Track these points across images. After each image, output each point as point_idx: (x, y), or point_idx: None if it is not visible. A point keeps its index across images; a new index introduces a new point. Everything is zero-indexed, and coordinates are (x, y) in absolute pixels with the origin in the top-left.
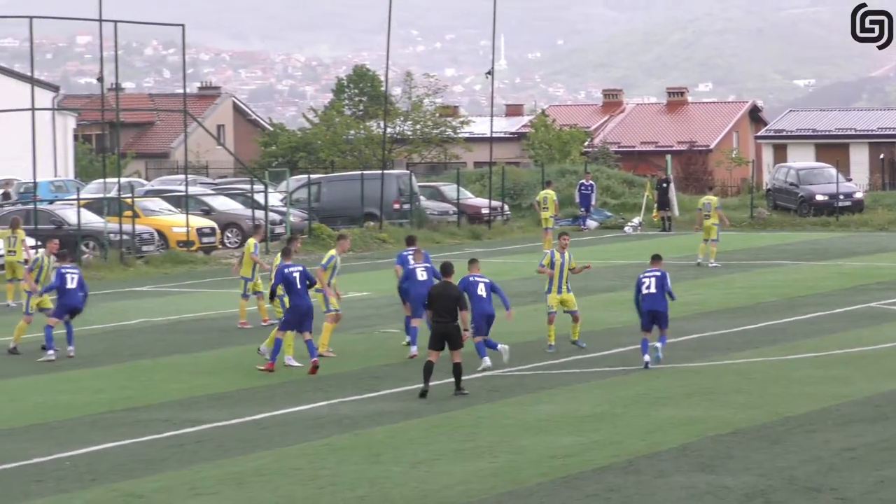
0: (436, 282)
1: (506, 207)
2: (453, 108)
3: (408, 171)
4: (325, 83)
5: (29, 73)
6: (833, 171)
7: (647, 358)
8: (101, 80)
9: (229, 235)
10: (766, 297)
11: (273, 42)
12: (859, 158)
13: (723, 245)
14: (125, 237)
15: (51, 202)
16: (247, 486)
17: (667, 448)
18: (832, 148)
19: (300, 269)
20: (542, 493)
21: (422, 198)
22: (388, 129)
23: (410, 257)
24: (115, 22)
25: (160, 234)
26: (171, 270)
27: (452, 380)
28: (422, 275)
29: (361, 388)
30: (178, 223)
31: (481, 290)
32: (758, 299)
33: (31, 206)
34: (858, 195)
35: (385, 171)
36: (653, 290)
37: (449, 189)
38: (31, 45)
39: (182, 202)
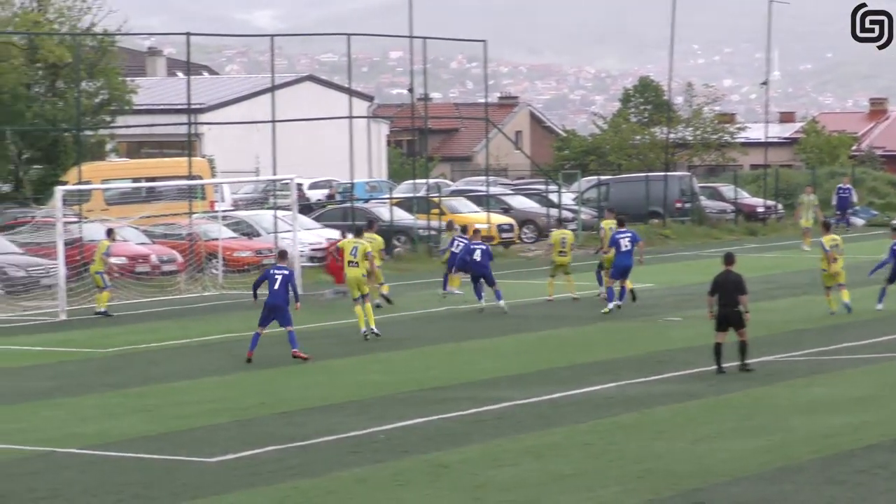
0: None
1: (779, 206)
2: (730, 116)
3: (689, 173)
4: (613, 93)
5: (347, 85)
6: None
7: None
8: (411, 90)
9: (526, 231)
10: None
11: (566, 56)
12: None
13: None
14: (432, 232)
15: (366, 201)
16: (543, 459)
17: None
18: None
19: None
20: (813, 469)
21: (701, 197)
22: (671, 135)
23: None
24: (425, 38)
25: (464, 229)
26: None
27: (728, 364)
28: (626, 245)
29: (647, 371)
30: (479, 220)
31: (478, 256)
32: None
33: (348, 205)
34: None
35: (668, 173)
36: None
37: (727, 189)
38: (349, 60)
39: (483, 201)
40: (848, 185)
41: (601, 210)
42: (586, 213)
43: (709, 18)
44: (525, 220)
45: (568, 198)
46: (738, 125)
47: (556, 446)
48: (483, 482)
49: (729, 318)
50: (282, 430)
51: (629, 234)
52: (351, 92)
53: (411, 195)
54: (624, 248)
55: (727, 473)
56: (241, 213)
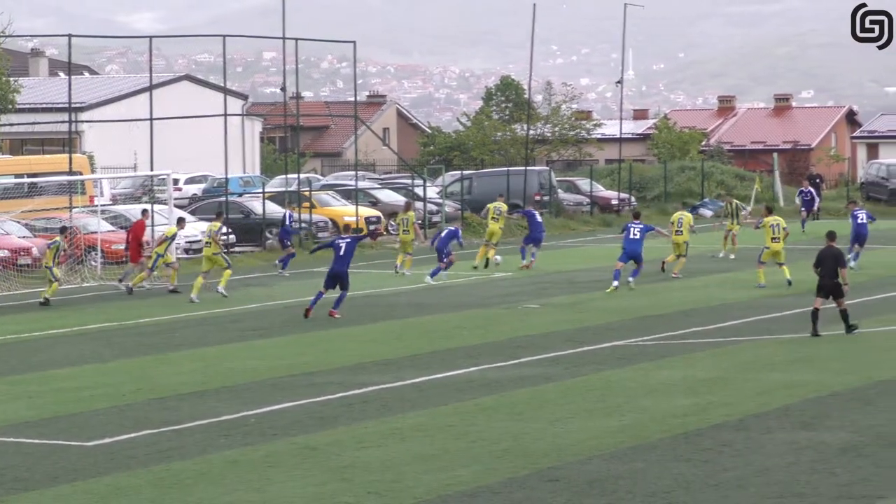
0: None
1: (633, 199)
2: (587, 113)
3: (547, 168)
4: (477, 91)
5: (222, 84)
6: None
7: None
8: (283, 89)
9: (392, 223)
10: (860, 277)
11: (432, 56)
12: None
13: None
14: (304, 225)
15: (240, 195)
16: (407, 440)
17: (773, 408)
18: None
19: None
20: (663, 447)
21: (559, 190)
22: (531, 131)
23: (632, 227)
24: (297, 39)
25: (333, 222)
26: None
27: (583, 349)
28: (635, 234)
29: (506, 355)
30: (348, 213)
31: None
32: (853, 279)
33: (223, 198)
34: None
35: (528, 168)
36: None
37: (583, 183)
38: (224, 60)
39: (352, 195)
40: (810, 189)
41: (464, 202)
42: (450, 206)
43: (568, 21)
44: (392, 213)
45: (433, 191)
46: (594, 122)
47: (419, 428)
48: (349, 463)
49: (829, 288)
50: (157, 414)
51: (641, 225)
52: (226, 91)
53: (283, 189)
54: (632, 236)
55: (581, 452)
56: (119, 208)
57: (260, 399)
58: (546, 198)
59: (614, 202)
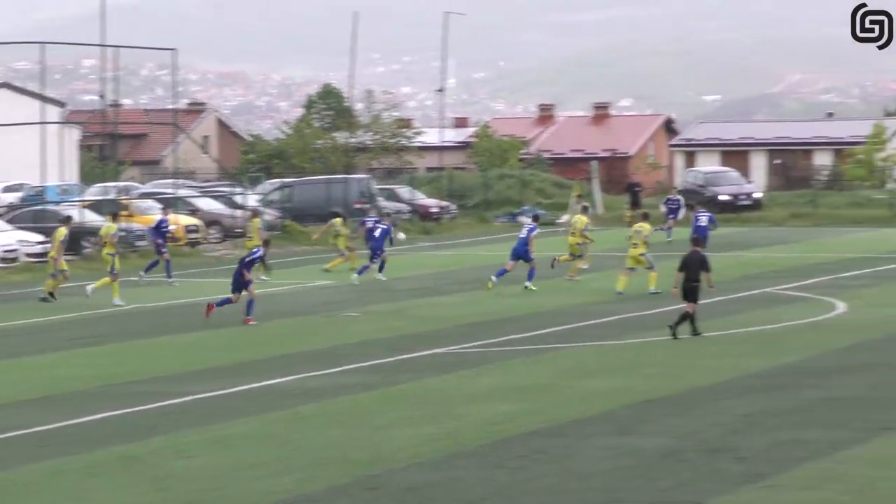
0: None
1: (452, 207)
2: (408, 121)
3: (368, 176)
4: (298, 99)
5: (40, 92)
6: (735, 174)
7: None
8: (102, 97)
9: (212, 232)
10: None
11: (253, 64)
12: (758, 164)
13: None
14: (121, 234)
15: (57, 203)
16: (228, 449)
17: (591, 415)
18: (735, 154)
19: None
20: (480, 455)
21: (380, 198)
22: (351, 139)
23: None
24: (116, 47)
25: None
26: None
27: (403, 357)
28: (522, 233)
29: (327, 363)
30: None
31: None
32: (670, 286)
33: (39, 207)
34: (757, 195)
35: (348, 176)
36: None
37: (403, 191)
38: (43, 68)
39: (171, 203)
40: (678, 197)
41: (285, 210)
42: (270, 214)
43: (389, 29)
44: (211, 222)
45: (253, 199)
46: (415, 130)
47: (239, 437)
48: (169, 472)
49: (687, 290)
50: None
51: (531, 226)
52: (43, 98)
53: (102, 197)
54: (521, 236)
55: (401, 460)
56: None
57: (80, 408)
58: (367, 206)
59: (434, 210)
